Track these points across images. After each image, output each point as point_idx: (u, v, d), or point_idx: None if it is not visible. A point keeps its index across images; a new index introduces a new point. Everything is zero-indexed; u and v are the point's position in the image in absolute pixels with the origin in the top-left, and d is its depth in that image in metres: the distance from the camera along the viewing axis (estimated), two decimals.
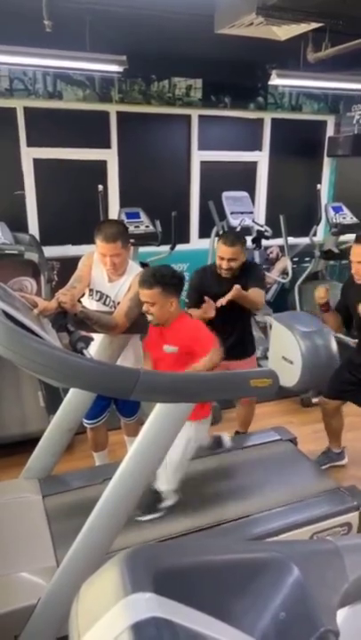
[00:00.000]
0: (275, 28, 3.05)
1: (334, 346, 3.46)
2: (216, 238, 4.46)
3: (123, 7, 3.24)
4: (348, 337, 3.68)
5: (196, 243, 5.38)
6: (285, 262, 4.95)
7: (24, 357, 1.59)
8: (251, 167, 5.53)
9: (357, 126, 5.49)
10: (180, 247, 4.56)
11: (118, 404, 2.88)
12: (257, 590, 1.12)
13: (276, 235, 4.66)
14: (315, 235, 5.13)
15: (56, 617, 1.75)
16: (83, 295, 2.65)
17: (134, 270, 2.58)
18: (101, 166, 4.85)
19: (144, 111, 4.81)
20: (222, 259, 2.88)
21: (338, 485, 2.55)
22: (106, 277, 2.61)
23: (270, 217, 5.41)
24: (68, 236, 4.80)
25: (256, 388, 1.85)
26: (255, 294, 2.89)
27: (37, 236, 4.51)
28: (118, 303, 2.56)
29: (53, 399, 3.27)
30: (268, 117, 5.38)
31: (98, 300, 2.64)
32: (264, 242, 4.66)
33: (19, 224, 4.44)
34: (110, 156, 4.85)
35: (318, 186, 5.08)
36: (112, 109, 4.72)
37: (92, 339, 2.18)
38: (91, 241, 2.55)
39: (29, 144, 4.51)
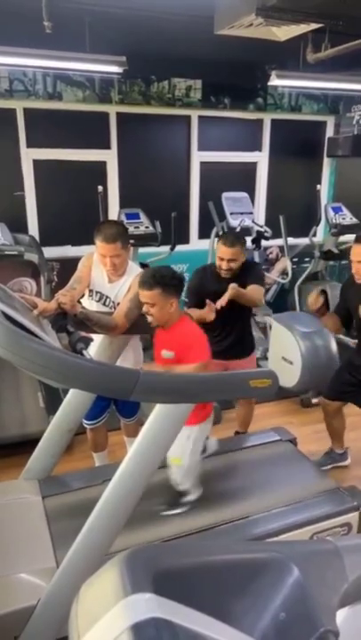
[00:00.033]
0: (274, 28, 3.05)
1: (334, 346, 3.46)
2: (216, 239, 4.47)
3: (122, 8, 3.24)
4: (347, 337, 3.68)
5: (196, 243, 5.38)
6: (285, 263, 4.95)
7: (24, 358, 1.59)
8: (250, 168, 5.54)
9: (357, 127, 5.49)
10: (179, 248, 4.56)
11: (118, 404, 2.88)
12: (257, 591, 1.12)
13: (276, 235, 4.66)
14: (314, 235, 5.13)
15: (56, 618, 1.75)
16: (82, 296, 2.65)
17: (134, 271, 2.58)
18: (101, 167, 4.85)
19: (144, 112, 4.81)
20: (222, 259, 2.88)
21: (338, 486, 2.55)
22: (106, 278, 2.62)
23: (270, 217, 5.41)
24: (68, 237, 4.80)
25: (256, 389, 1.85)
26: (254, 291, 2.89)
27: (37, 237, 4.51)
28: (118, 304, 2.56)
29: (53, 400, 3.27)
30: (267, 118, 5.39)
31: (98, 301, 2.64)
32: (264, 242, 4.66)
33: (18, 225, 4.45)
34: (110, 157, 4.86)
35: (318, 186, 5.08)
36: (112, 110, 4.72)
37: (91, 339, 2.18)
38: (90, 242, 2.56)
39: (29, 145, 4.51)
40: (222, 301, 2.75)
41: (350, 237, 3.89)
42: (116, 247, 2.46)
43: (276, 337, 3.79)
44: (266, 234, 4.53)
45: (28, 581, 1.91)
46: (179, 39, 3.75)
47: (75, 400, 2.43)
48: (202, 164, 5.25)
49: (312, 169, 5.82)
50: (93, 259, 2.61)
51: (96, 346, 2.47)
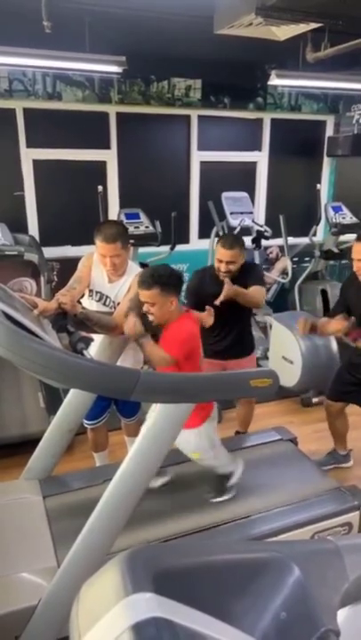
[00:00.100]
0: (274, 28, 3.04)
1: (334, 346, 3.46)
2: (216, 239, 4.47)
3: (122, 8, 3.24)
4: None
5: (196, 243, 5.38)
6: (285, 262, 4.95)
7: (24, 358, 1.59)
8: (250, 167, 5.53)
9: (357, 126, 5.48)
10: (179, 248, 4.56)
11: (118, 404, 2.88)
12: (257, 590, 1.12)
13: (276, 235, 4.66)
14: (314, 235, 5.12)
15: (57, 617, 1.75)
16: (83, 296, 2.66)
17: (134, 271, 2.58)
18: (101, 167, 4.85)
19: (143, 112, 4.81)
20: (221, 261, 2.88)
21: (338, 485, 2.55)
22: (106, 278, 2.62)
23: (270, 217, 5.41)
24: (68, 237, 4.80)
25: (256, 388, 1.85)
26: (256, 292, 2.88)
27: (37, 237, 4.51)
28: (118, 304, 2.56)
29: (54, 400, 3.27)
30: (267, 117, 5.38)
31: (98, 301, 2.64)
32: (264, 242, 4.66)
33: (18, 225, 4.45)
34: (110, 157, 4.85)
35: (318, 186, 5.08)
36: (111, 110, 4.72)
37: (91, 339, 2.18)
38: (90, 242, 2.55)
39: (29, 145, 4.51)
40: (220, 298, 2.75)
41: (350, 237, 3.90)
42: (116, 247, 2.46)
43: (277, 336, 3.79)
44: (266, 233, 4.53)
45: (28, 581, 1.91)
46: (178, 39, 3.75)
47: (75, 400, 2.43)
48: (202, 163, 5.24)
49: (312, 168, 5.82)
50: (93, 259, 2.61)
51: (96, 346, 2.47)
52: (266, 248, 5.37)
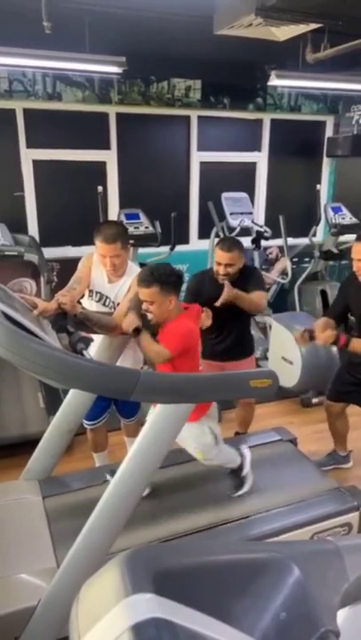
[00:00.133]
0: (273, 28, 3.05)
1: (334, 346, 3.46)
2: (216, 239, 4.47)
3: (122, 8, 3.24)
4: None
5: (196, 243, 5.38)
6: (285, 263, 4.95)
7: (24, 358, 1.59)
8: (250, 168, 5.54)
9: (357, 126, 5.49)
10: (179, 248, 4.56)
11: (118, 404, 2.88)
12: (257, 591, 1.12)
13: (276, 235, 4.66)
14: (314, 235, 5.13)
15: (56, 618, 1.75)
16: (82, 296, 2.65)
17: (134, 271, 2.58)
18: (101, 167, 4.85)
19: (143, 112, 4.81)
20: (219, 264, 2.88)
21: (338, 485, 2.55)
22: (105, 278, 2.62)
23: (270, 217, 5.41)
24: (68, 238, 4.80)
25: (256, 389, 1.85)
26: (257, 297, 2.88)
27: (37, 238, 4.51)
28: (118, 304, 2.56)
29: (53, 400, 3.27)
30: (267, 118, 5.39)
31: (98, 301, 2.64)
32: (263, 242, 4.66)
33: (18, 225, 4.45)
34: (110, 158, 4.85)
35: (318, 186, 5.09)
36: (111, 110, 4.72)
37: (91, 340, 2.18)
38: (90, 242, 2.55)
39: (29, 145, 4.51)
40: (220, 301, 2.75)
41: (350, 237, 3.90)
42: (115, 247, 2.46)
43: (276, 337, 3.79)
44: (266, 234, 4.53)
45: (28, 582, 1.91)
46: (178, 39, 3.75)
47: (75, 400, 2.43)
48: (201, 164, 5.25)
49: (312, 169, 5.82)
50: (93, 259, 2.61)
51: (96, 346, 2.47)
52: (266, 248, 5.37)
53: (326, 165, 5.88)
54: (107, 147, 4.81)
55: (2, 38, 3.18)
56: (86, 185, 4.45)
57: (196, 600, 1.02)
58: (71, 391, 2.43)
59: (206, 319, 2.60)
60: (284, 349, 3.64)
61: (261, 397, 3.38)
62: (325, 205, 5.02)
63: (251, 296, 2.85)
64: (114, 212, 4.74)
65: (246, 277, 2.94)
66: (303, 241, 5.11)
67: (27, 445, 2.76)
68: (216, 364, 3.03)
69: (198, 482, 2.54)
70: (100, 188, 4.13)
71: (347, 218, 4.89)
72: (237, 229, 4.38)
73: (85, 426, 2.86)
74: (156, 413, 1.81)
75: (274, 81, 4.02)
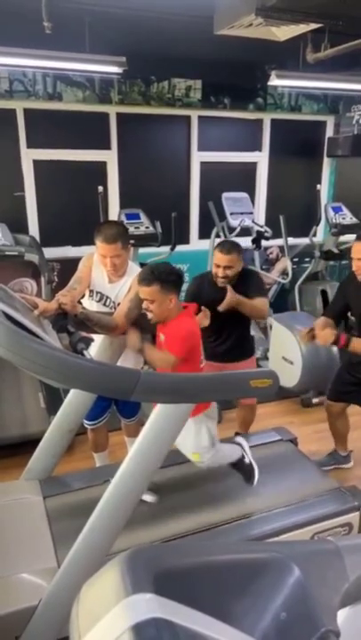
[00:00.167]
0: (274, 28, 3.04)
1: (334, 346, 3.46)
2: (216, 239, 4.48)
3: (122, 8, 3.24)
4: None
5: (196, 243, 5.38)
6: (285, 263, 4.95)
7: (24, 358, 1.59)
8: (250, 168, 5.54)
9: (357, 126, 5.49)
10: (180, 248, 4.56)
11: (119, 404, 2.88)
12: (257, 591, 1.12)
13: (276, 235, 4.66)
14: (315, 235, 5.13)
15: (57, 618, 1.75)
16: (83, 296, 2.66)
17: (134, 271, 2.58)
18: (101, 167, 4.85)
19: (144, 112, 4.81)
20: (218, 266, 2.88)
21: (339, 485, 2.55)
22: (106, 278, 2.62)
23: (270, 217, 5.41)
24: (68, 238, 4.80)
25: (256, 389, 1.85)
26: (259, 303, 2.89)
27: (37, 238, 4.51)
28: (118, 304, 2.56)
29: (54, 400, 3.27)
30: (267, 118, 5.38)
31: (98, 301, 2.64)
32: (264, 242, 4.66)
33: (19, 225, 4.45)
34: (110, 158, 4.85)
35: (318, 186, 5.08)
36: (112, 110, 4.72)
37: (92, 340, 2.18)
38: (91, 242, 2.55)
39: (29, 145, 4.51)
40: (222, 307, 2.77)
41: (350, 237, 3.89)
42: (116, 247, 2.46)
43: (277, 337, 3.79)
44: (266, 234, 4.53)
45: (29, 581, 1.92)
46: (179, 39, 3.75)
47: (75, 400, 2.43)
48: (202, 164, 5.24)
49: (312, 169, 5.82)
50: (94, 259, 2.61)
51: (97, 346, 2.47)
52: (266, 248, 5.37)
53: (327, 165, 5.88)
54: (107, 147, 4.81)
55: (2, 38, 3.18)
56: (87, 185, 4.45)
57: (197, 600, 1.02)
58: (72, 391, 2.43)
59: (204, 319, 2.61)
60: (285, 349, 3.64)
61: (262, 397, 3.37)
62: (326, 205, 5.02)
63: (253, 302, 2.86)
64: (114, 211, 4.74)
65: (246, 281, 2.94)
66: (304, 241, 5.11)
67: (27, 445, 2.76)
68: (217, 365, 3.03)
69: (198, 482, 2.54)
70: (100, 188, 4.13)
71: (347, 218, 4.89)
72: (238, 229, 4.38)
73: (86, 426, 2.86)
74: (156, 413, 1.81)
75: (274, 81, 4.02)
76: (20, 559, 2.02)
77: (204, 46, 3.66)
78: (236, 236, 4.38)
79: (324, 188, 5.88)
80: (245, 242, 4.57)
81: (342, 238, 4.87)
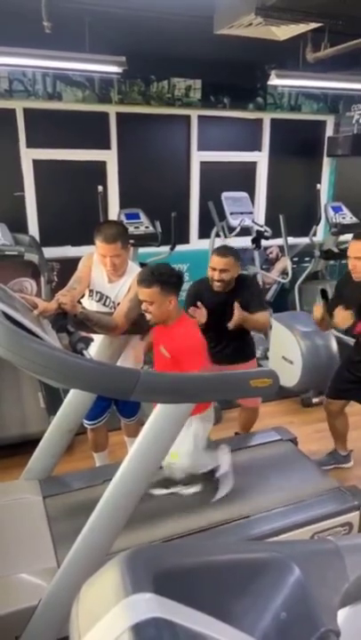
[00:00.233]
0: (274, 28, 3.04)
1: (334, 346, 3.47)
2: (216, 239, 4.48)
3: (122, 8, 3.24)
4: (347, 337, 3.68)
5: (196, 243, 5.38)
6: (285, 262, 4.95)
7: (24, 358, 1.59)
8: (250, 167, 5.54)
9: (357, 126, 5.49)
10: (179, 248, 4.56)
11: (119, 404, 2.88)
12: (257, 590, 1.12)
13: (276, 235, 4.66)
14: (314, 235, 5.13)
15: (57, 618, 1.75)
16: (83, 296, 2.66)
17: (134, 271, 2.58)
18: (101, 167, 4.85)
19: (143, 112, 4.81)
20: (214, 269, 2.88)
21: (339, 485, 2.55)
22: (106, 278, 2.62)
23: (270, 217, 5.41)
24: (68, 237, 4.80)
25: (256, 388, 1.85)
26: (263, 318, 2.94)
27: (37, 237, 4.51)
28: (118, 304, 2.56)
29: (54, 400, 3.27)
30: (267, 118, 5.39)
31: (98, 301, 2.64)
32: (264, 242, 4.66)
33: (18, 225, 4.45)
34: (110, 157, 4.86)
35: (318, 186, 5.09)
36: (111, 110, 4.72)
37: (91, 339, 2.18)
38: (90, 242, 2.56)
39: (29, 145, 4.51)
40: (231, 325, 2.81)
41: (350, 237, 3.89)
42: (116, 247, 2.46)
43: (277, 336, 3.79)
44: (266, 233, 4.54)
45: (28, 581, 1.91)
46: (178, 39, 3.75)
47: (75, 400, 2.43)
48: (202, 163, 5.25)
49: (312, 168, 5.82)
50: (93, 259, 2.61)
51: (96, 346, 2.47)
52: (266, 248, 5.37)
53: (327, 165, 5.88)
54: (107, 146, 4.81)
55: (2, 38, 3.18)
56: (86, 185, 4.45)
57: (197, 600, 1.02)
58: (71, 391, 2.43)
59: (201, 316, 2.62)
60: (285, 349, 3.64)
61: (262, 397, 3.37)
62: (326, 205, 5.03)
63: (256, 317, 2.90)
64: (114, 211, 4.75)
65: (243, 288, 2.95)
66: (303, 240, 5.11)
67: (27, 445, 2.76)
68: (217, 367, 3.02)
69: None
70: (100, 188, 4.14)
71: (347, 217, 4.89)
72: (238, 229, 4.38)
73: (86, 425, 2.86)
74: (156, 413, 1.81)
75: (274, 80, 4.02)
76: (20, 559, 2.02)
77: (204, 46, 3.67)
78: (236, 235, 4.39)
79: (324, 188, 5.88)
80: (245, 241, 4.58)
81: (342, 238, 4.88)
